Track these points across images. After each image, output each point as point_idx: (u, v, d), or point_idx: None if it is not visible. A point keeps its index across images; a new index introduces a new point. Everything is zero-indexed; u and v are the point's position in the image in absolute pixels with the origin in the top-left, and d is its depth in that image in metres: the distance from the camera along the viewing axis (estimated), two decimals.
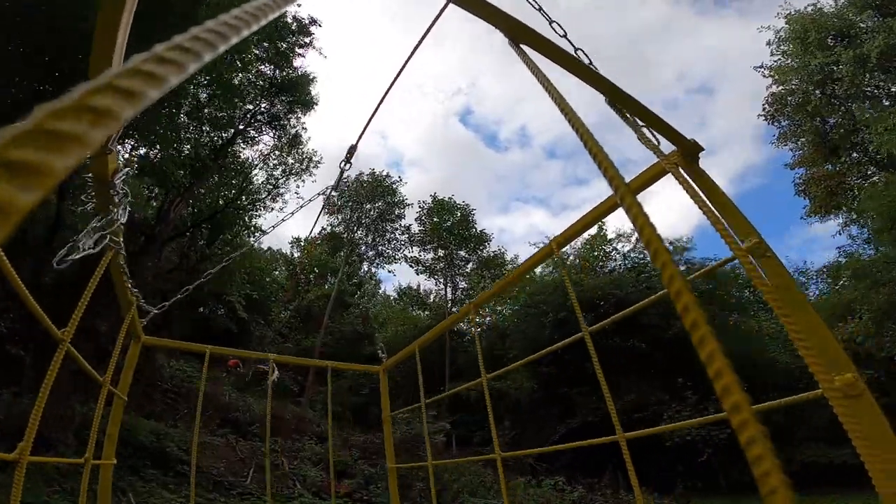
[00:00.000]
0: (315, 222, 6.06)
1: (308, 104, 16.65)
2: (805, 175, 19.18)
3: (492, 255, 27.90)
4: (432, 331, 2.61)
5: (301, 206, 3.60)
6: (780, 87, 19.15)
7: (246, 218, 17.43)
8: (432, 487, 2.59)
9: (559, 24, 1.21)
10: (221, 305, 19.66)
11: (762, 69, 19.71)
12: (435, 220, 26.86)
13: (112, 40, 0.77)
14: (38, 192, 0.15)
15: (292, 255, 30.31)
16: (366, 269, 30.14)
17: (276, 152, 18.07)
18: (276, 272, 27.72)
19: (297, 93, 16.06)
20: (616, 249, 23.81)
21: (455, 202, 27.58)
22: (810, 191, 18.78)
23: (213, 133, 14.68)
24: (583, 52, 1.17)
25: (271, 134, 16.91)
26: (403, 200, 27.00)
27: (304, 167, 19.08)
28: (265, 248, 26.16)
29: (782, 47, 18.87)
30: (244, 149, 16.53)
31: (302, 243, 27.81)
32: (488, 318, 24.81)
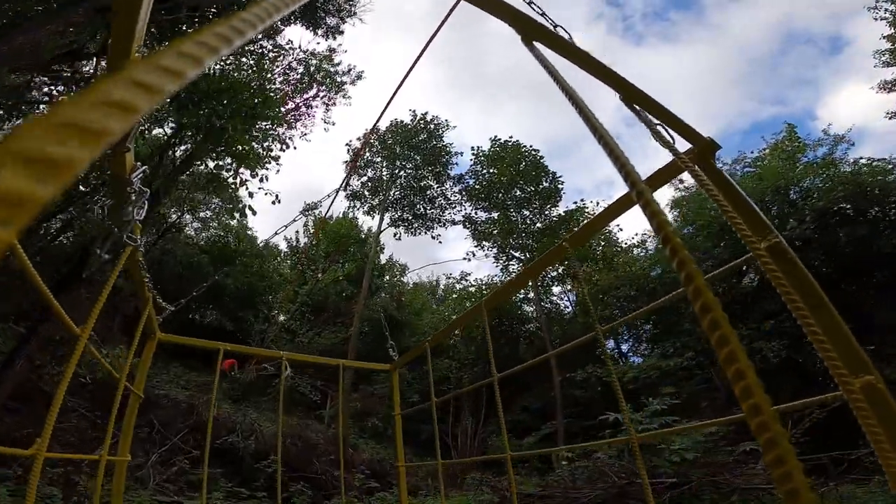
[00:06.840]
0: (329, 206, 5.90)
1: None
2: None
3: (564, 213, 20.36)
4: (444, 329, 2.61)
5: (293, 220, 3.57)
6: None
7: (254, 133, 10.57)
8: (442, 489, 2.59)
9: (564, 28, 1.20)
10: (211, 303, 16.83)
11: (874, 10, 19.36)
12: (493, 170, 20.52)
13: (130, 32, 0.77)
14: (56, 185, 0.15)
15: (297, 239, 24.80)
16: (395, 249, 25.55)
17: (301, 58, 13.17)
18: (279, 261, 23.68)
19: None
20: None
21: (521, 145, 20.64)
22: None
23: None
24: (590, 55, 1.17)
25: (299, 26, 11.97)
26: (451, 150, 21.22)
27: (337, 84, 13.94)
28: (261, 241, 21.29)
29: None
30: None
31: (312, 218, 22.99)
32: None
